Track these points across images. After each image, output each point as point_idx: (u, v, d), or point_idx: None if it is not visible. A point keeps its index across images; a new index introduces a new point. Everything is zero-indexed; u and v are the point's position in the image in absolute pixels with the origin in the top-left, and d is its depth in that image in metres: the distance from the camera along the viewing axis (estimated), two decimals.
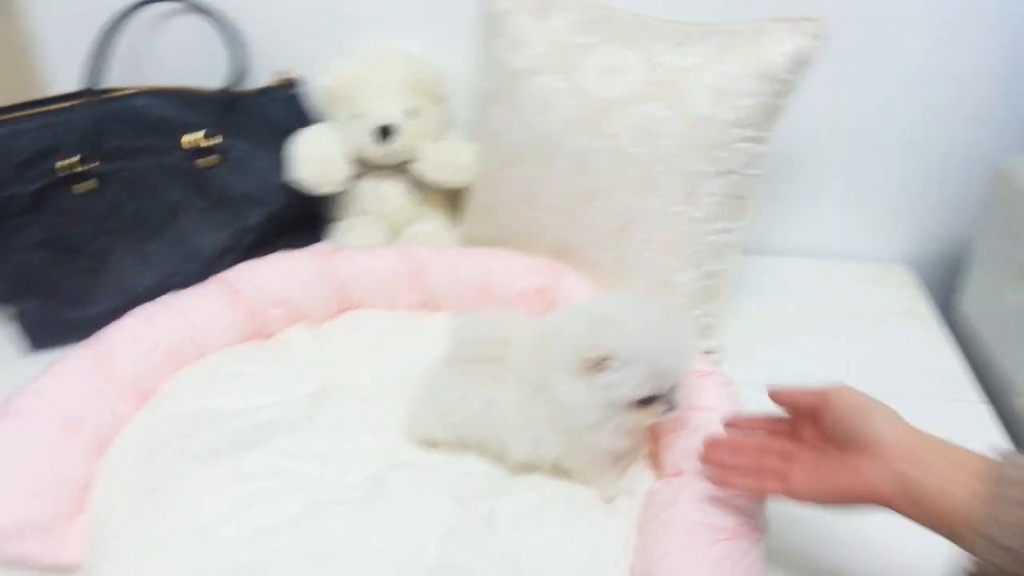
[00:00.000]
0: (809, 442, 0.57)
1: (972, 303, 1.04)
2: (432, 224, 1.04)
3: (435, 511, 0.68)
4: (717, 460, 0.60)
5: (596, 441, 0.67)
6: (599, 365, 0.64)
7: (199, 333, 0.86)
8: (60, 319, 0.94)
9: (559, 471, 0.72)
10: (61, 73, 1.10)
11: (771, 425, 0.61)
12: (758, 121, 0.86)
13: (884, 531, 0.61)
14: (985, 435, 0.82)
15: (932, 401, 0.79)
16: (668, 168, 0.87)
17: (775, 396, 0.60)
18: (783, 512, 0.65)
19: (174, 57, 1.08)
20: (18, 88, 1.09)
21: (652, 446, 0.75)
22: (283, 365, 0.86)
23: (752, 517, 0.63)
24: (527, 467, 0.73)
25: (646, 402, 0.65)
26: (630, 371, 0.63)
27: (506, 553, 0.64)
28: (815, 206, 1.14)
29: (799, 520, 0.69)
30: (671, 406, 0.66)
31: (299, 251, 0.95)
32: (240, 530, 0.65)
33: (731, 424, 0.64)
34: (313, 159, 0.99)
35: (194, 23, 1.06)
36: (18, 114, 0.91)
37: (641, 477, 0.72)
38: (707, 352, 0.90)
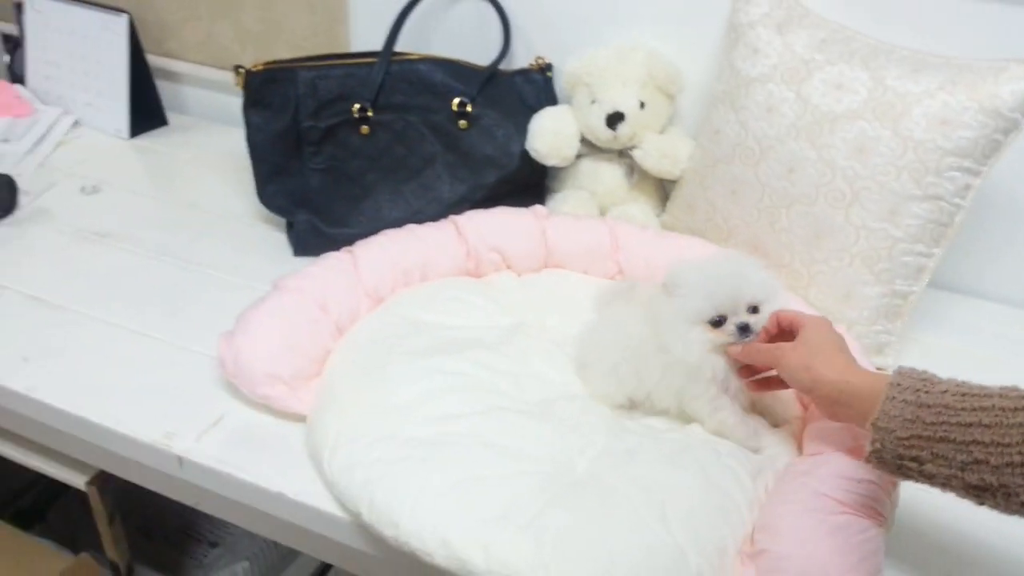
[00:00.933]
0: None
1: None
2: (638, 207, 1.14)
3: (590, 436, 0.79)
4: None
5: (681, 351, 0.78)
6: (672, 292, 0.79)
7: (429, 261, 1.03)
8: (323, 233, 1.16)
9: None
10: (364, 35, 1.33)
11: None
12: (975, 153, 0.87)
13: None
14: None
15: None
16: (875, 185, 0.91)
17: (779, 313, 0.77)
18: (912, 512, 0.69)
19: (454, 33, 1.27)
20: (331, 43, 1.35)
21: (798, 431, 0.81)
22: (491, 300, 1.00)
23: (879, 503, 0.68)
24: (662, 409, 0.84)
25: (717, 324, 0.77)
26: (692, 294, 0.77)
27: (644, 482, 0.73)
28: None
29: (926, 521, 0.72)
30: (742, 327, 0.77)
31: (520, 209, 1.09)
32: (431, 412, 0.80)
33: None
34: (549, 133, 1.13)
35: (475, 6, 1.24)
36: (328, 63, 1.14)
37: (783, 453, 0.78)
38: (878, 368, 0.93)
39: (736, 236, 1.04)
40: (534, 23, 1.23)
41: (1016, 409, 0.55)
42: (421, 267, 1.02)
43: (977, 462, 0.55)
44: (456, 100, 1.15)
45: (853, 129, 0.92)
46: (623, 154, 1.16)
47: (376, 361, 0.87)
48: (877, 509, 0.67)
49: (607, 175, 1.17)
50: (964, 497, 0.58)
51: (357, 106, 1.14)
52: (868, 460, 0.62)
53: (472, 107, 1.16)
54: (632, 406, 0.86)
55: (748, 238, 1.02)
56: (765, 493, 0.74)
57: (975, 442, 0.55)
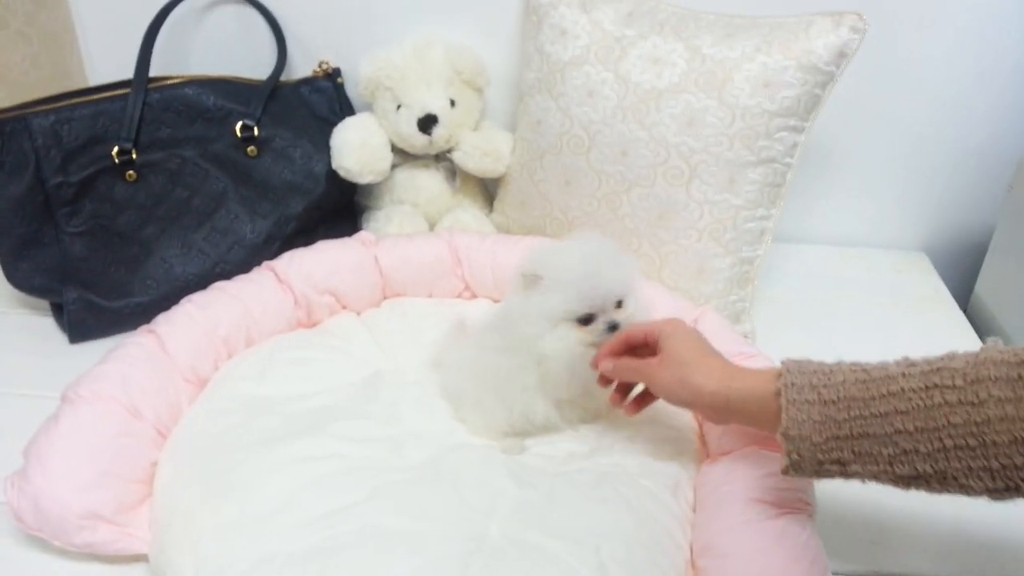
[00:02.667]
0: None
1: (989, 288, 1.07)
2: (469, 214, 1.06)
3: (496, 489, 0.71)
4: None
5: (542, 349, 0.72)
6: (534, 283, 0.71)
7: (253, 320, 0.87)
8: (103, 310, 0.95)
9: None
10: (102, 66, 1.11)
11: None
12: (799, 111, 0.88)
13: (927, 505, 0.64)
14: None
15: None
16: (710, 157, 0.89)
17: (609, 350, 0.71)
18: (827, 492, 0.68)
19: (216, 47, 1.09)
20: (62, 79, 1.10)
21: (698, 431, 0.78)
22: (334, 352, 0.87)
23: (804, 492, 0.66)
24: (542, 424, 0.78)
25: (586, 321, 0.71)
26: (559, 289, 0.70)
27: (571, 531, 0.66)
28: (837, 195, 1.16)
29: (843, 500, 0.72)
30: (612, 325, 0.71)
31: (343, 240, 0.96)
32: (308, 513, 0.67)
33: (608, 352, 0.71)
34: (357, 147, 1.01)
35: (235, 12, 1.07)
36: (68, 103, 0.92)
37: (690, 464, 0.75)
38: (744, 335, 0.93)
39: (578, 228, 0.99)
40: (309, 26, 1.08)
41: (928, 388, 0.51)
42: (244, 330, 0.87)
43: (906, 452, 0.51)
44: (238, 124, 0.99)
45: (679, 103, 0.89)
46: (440, 158, 1.06)
47: (219, 463, 0.72)
48: (805, 500, 0.66)
49: (427, 183, 1.07)
50: (891, 486, 0.54)
51: (116, 149, 0.94)
52: (786, 472, 0.57)
53: (258, 129, 1.00)
54: (518, 434, 0.79)
55: (591, 228, 0.98)
56: (691, 509, 0.70)
57: (898, 432, 0.51)
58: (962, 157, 1.11)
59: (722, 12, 0.92)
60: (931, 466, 0.51)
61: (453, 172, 1.07)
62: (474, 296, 0.99)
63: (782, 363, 0.59)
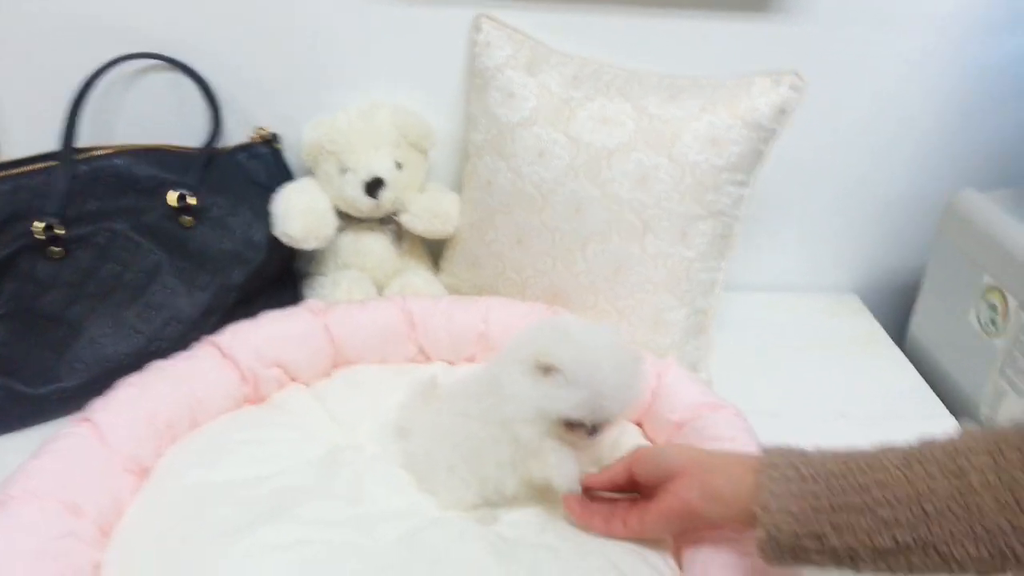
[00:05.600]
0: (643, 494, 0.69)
1: (923, 326, 1.11)
2: (419, 276, 1.03)
3: (479, 569, 0.67)
4: (577, 505, 0.71)
5: (523, 436, 0.69)
6: (547, 372, 0.66)
7: (197, 400, 0.81)
8: (25, 397, 0.87)
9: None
10: (22, 139, 1.04)
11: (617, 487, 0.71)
12: (744, 166, 0.90)
13: None
14: None
15: (905, 420, 0.93)
16: (662, 212, 0.90)
17: (591, 485, 0.71)
18: None
19: (145, 117, 1.04)
20: None
21: None
22: (287, 430, 0.82)
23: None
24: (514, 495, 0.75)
25: (573, 424, 0.68)
26: (571, 391, 0.66)
27: None
28: (775, 244, 1.20)
29: None
30: (593, 433, 0.69)
31: (290, 309, 0.92)
32: None
33: (588, 486, 0.71)
34: (303, 213, 0.97)
35: (166, 81, 1.03)
36: None
37: None
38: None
39: (533, 286, 0.98)
40: (244, 92, 1.05)
41: (908, 463, 0.52)
42: (188, 412, 0.81)
43: (886, 523, 0.50)
44: (174, 194, 0.94)
45: (630, 161, 0.90)
46: (386, 220, 1.04)
47: (171, 561, 0.66)
48: None
49: (373, 246, 1.04)
50: (869, 570, 0.52)
51: (41, 225, 0.87)
52: (761, 549, 0.55)
53: (196, 199, 0.95)
54: (489, 505, 0.76)
55: (546, 286, 0.97)
56: (680, 569, 0.68)
57: (878, 502, 0.51)
58: (891, 201, 1.16)
59: (663, 74, 0.94)
60: (912, 536, 0.50)
61: (399, 234, 1.05)
62: (428, 360, 0.96)
63: (760, 448, 0.60)
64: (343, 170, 0.98)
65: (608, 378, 0.67)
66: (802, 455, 0.57)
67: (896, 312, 1.21)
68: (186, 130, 1.02)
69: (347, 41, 1.02)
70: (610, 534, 0.69)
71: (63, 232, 0.89)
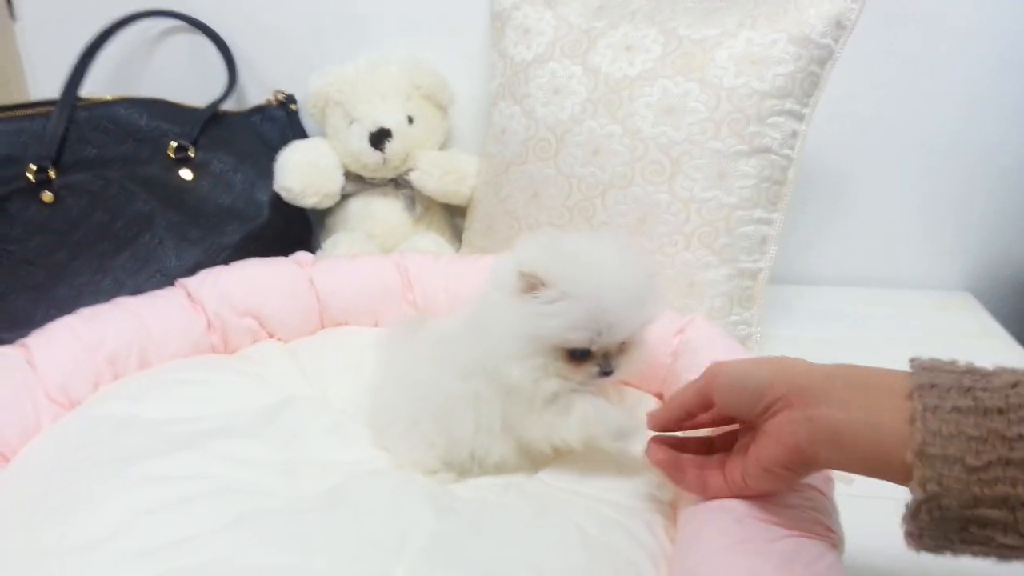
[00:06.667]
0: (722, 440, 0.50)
1: None
2: (429, 238, 0.93)
3: (410, 522, 0.53)
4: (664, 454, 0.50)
5: (513, 376, 0.54)
6: (532, 288, 0.52)
7: (151, 340, 0.73)
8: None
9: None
10: (44, 85, 1.04)
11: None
12: (796, 92, 0.75)
13: None
14: None
15: None
16: (694, 148, 0.76)
17: (658, 423, 0.51)
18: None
19: (167, 76, 1.02)
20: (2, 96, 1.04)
21: None
22: (243, 377, 0.72)
23: (825, 515, 0.47)
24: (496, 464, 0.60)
25: (579, 358, 0.53)
26: (566, 306, 0.51)
27: (503, 564, 0.48)
28: (868, 234, 1.01)
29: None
30: (606, 370, 0.53)
31: (274, 259, 0.83)
32: (143, 542, 0.50)
33: (659, 421, 0.52)
34: (302, 166, 0.90)
35: (188, 42, 1.01)
36: None
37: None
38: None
39: None
40: (265, 54, 1.02)
41: None
42: (138, 350, 0.72)
43: None
44: (173, 144, 0.89)
45: (655, 90, 0.77)
46: (400, 183, 0.95)
47: (57, 484, 0.56)
48: (827, 525, 0.47)
49: (384, 211, 0.95)
50: None
51: (34, 168, 0.84)
52: (913, 523, 0.37)
53: (194, 151, 0.90)
54: (457, 471, 0.61)
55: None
56: (670, 540, 0.51)
57: None
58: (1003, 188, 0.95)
59: None
60: None
61: (413, 199, 0.95)
62: None
63: (910, 361, 0.40)
64: (350, 121, 0.91)
65: (609, 283, 0.52)
66: (981, 374, 0.38)
67: (1015, 312, 0.99)
68: (207, 94, 0.98)
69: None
70: (709, 495, 0.48)
71: (56, 177, 0.85)
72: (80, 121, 0.88)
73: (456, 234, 0.99)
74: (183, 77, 1.02)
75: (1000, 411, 0.35)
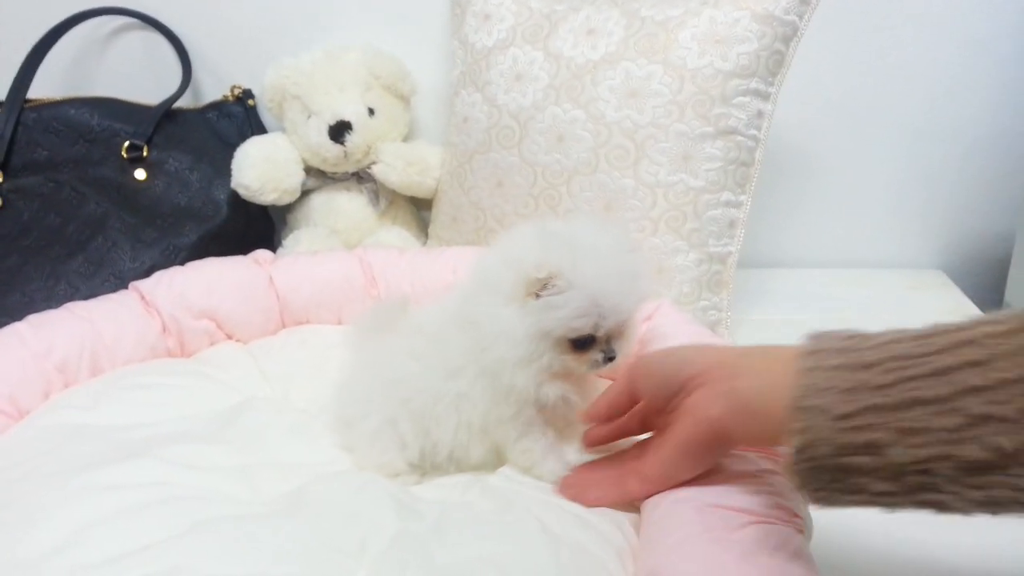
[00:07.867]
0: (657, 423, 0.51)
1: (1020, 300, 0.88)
2: (394, 232, 0.91)
3: (372, 524, 0.51)
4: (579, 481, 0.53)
5: (519, 384, 0.52)
6: (543, 287, 0.50)
7: (104, 346, 0.71)
8: None
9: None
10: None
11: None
12: (760, 71, 0.74)
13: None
14: None
15: None
16: (659, 131, 0.74)
17: (594, 417, 0.53)
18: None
19: (120, 75, 0.99)
20: None
21: None
22: (199, 379, 0.70)
23: (789, 500, 0.46)
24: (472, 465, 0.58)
25: (582, 346, 0.52)
26: (572, 295, 0.50)
27: (460, 570, 0.46)
28: (838, 214, 1.00)
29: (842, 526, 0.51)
30: (609, 355, 0.52)
31: (232, 258, 0.81)
32: (93, 555, 0.47)
33: (591, 417, 0.54)
34: (260, 162, 0.88)
35: (141, 39, 0.98)
36: None
37: None
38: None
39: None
40: (221, 49, 0.99)
41: (1014, 331, 0.34)
42: (90, 357, 0.70)
43: (982, 420, 0.33)
44: (125, 144, 0.87)
45: (618, 73, 0.76)
46: (362, 177, 0.93)
47: (5, 497, 0.53)
48: (792, 510, 0.45)
49: (347, 206, 0.93)
50: (948, 505, 0.34)
51: None
52: (793, 470, 0.38)
53: (148, 150, 0.87)
54: (420, 473, 0.59)
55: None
56: (639, 537, 0.49)
57: (972, 390, 0.34)
58: (974, 160, 0.95)
59: None
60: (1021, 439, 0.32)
61: (377, 193, 0.93)
62: None
63: (808, 335, 0.41)
64: (308, 115, 0.89)
65: (608, 265, 0.51)
66: (863, 336, 0.39)
67: (986, 290, 0.98)
68: (165, 93, 0.95)
69: None
70: (629, 498, 0.50)
71: (4, 181, 0.83)
72: (29, 123, 0.85)
73: (423, 228, 0.98)
74: (137, 75, 0.99)
75: (872, 365, 0.36)
